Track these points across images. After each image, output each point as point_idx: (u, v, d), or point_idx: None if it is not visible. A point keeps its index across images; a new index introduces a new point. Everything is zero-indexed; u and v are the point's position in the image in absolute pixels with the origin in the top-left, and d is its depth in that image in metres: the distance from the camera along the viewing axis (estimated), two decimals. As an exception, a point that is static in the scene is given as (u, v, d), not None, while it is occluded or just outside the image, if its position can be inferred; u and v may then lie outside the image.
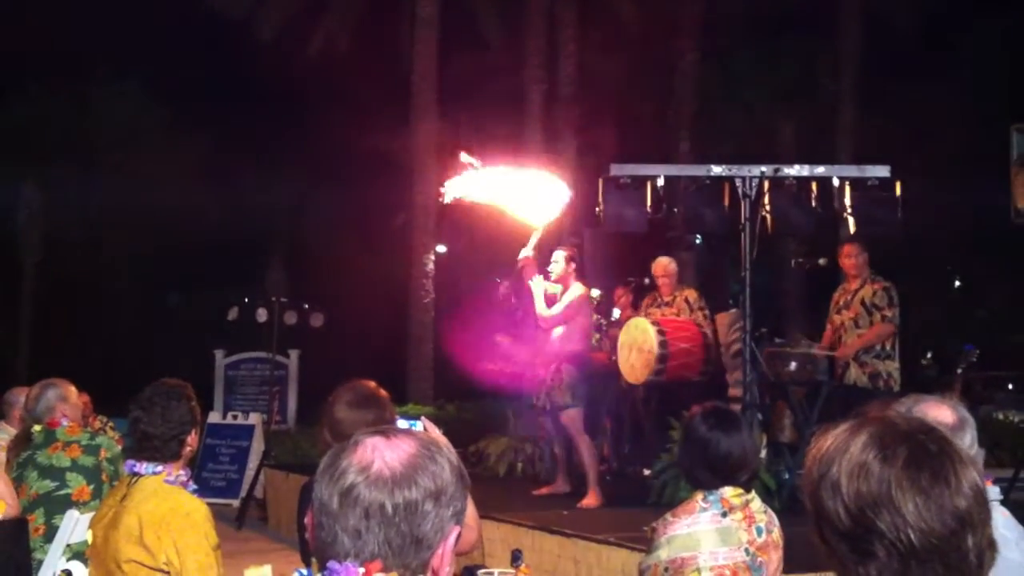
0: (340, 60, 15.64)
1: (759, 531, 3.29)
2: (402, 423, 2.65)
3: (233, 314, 12.90)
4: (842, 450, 1.44)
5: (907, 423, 1.48)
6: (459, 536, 1.54)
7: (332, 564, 1.46)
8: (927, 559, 1.38)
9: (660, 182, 7.09)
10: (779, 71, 16.12)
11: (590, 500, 6.93)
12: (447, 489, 1.52)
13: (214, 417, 11.68)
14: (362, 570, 1.44)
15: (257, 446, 11.13)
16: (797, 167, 7.00)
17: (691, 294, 8.21)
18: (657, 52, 15.54)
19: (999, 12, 15.55)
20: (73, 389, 4.69)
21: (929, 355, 11.17)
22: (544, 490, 7.56)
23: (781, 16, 15.49)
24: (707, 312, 8.24)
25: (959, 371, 7.66)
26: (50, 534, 4.10)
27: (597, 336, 8.60)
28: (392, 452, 1.52)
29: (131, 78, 17.26)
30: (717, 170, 6.96)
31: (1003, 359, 14.21)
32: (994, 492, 2.58)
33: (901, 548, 1.38)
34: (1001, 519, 2.53)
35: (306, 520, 1.58)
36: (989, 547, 1.42)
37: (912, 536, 1.37)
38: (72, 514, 3.98)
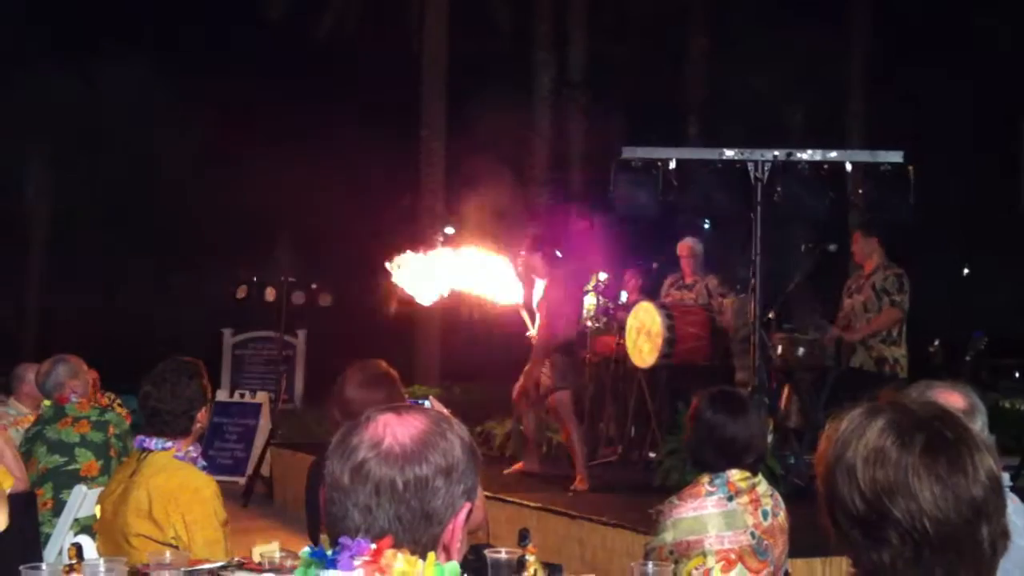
0: (349, 40, 15.59)
1: (765, 515, 3.28)
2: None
3: (241, 293, 12.90)
4: (858, 435, 1.42)
5: (924, 409, 1.45)
6: (470, 513, 1.53)
7: (343, 539, 1.45)
8: (941, 548, 1.36)
9: (672, 165, 7.05)
10: (788, 56, 16.01)
11: (580, 483, 6.97)
12: (458, 466, 1.51)
13: (221, 395, 11.70)
14: (373, 546, 1.44)
15: (264, 424, 11.14)
16: (809, 152, 6.95)
17: (712, 281, 8.14)
18: (666, 37, 15.45)
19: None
20: (84, 365, 4.71)
21: (936, 342, 11.11)
22: (515, 468, 7.62)
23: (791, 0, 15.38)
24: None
25: (967, 359, 7.62)
26: (58, 508, 4.12)
27: (604, 319, 8.59)
28: (403, 428, 1.51)
29: (139, 55, 17.20)
30: (729, 154, 6.91)
31: (1011, 347, 14.15)
32: (1004, 479, 2.57)
33: (916, 536, 1.36)
34: (1011, 505, 2.52)
35: (322, 496, 1.58)
36: (1003, 536, 1.41)
37: (927, 524, 1.36)
38: (80, 489, 3.99)
